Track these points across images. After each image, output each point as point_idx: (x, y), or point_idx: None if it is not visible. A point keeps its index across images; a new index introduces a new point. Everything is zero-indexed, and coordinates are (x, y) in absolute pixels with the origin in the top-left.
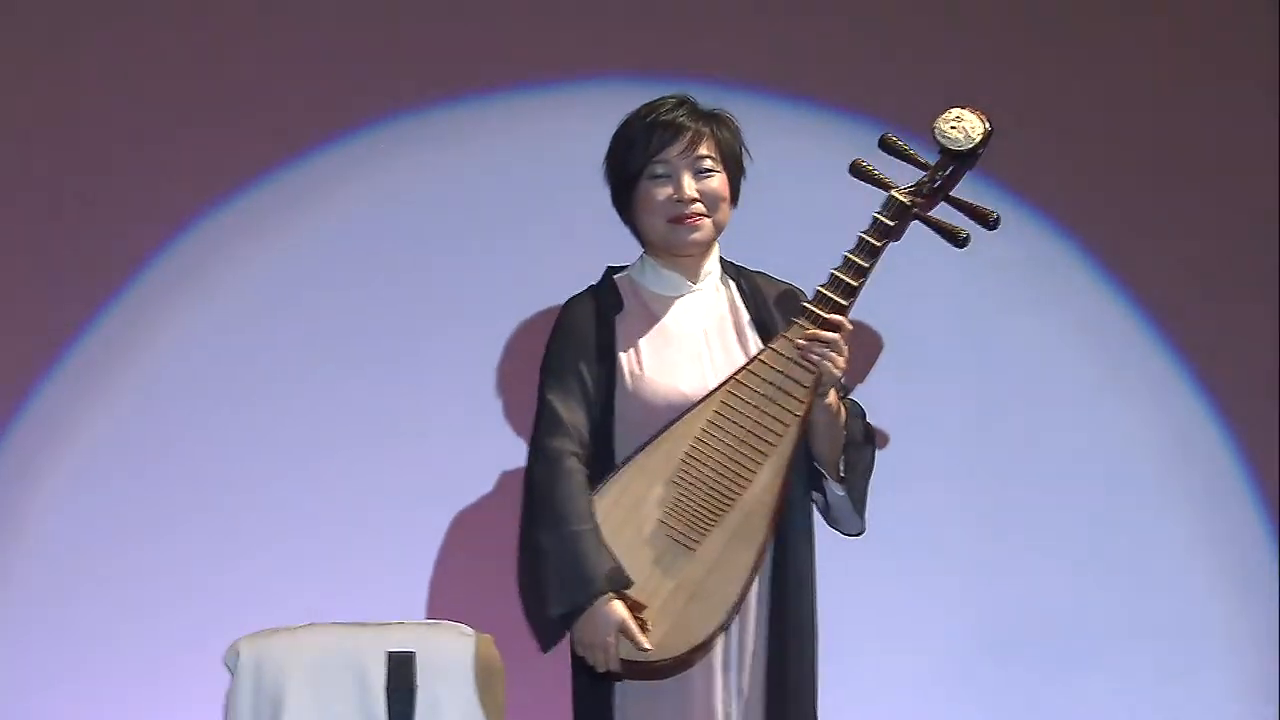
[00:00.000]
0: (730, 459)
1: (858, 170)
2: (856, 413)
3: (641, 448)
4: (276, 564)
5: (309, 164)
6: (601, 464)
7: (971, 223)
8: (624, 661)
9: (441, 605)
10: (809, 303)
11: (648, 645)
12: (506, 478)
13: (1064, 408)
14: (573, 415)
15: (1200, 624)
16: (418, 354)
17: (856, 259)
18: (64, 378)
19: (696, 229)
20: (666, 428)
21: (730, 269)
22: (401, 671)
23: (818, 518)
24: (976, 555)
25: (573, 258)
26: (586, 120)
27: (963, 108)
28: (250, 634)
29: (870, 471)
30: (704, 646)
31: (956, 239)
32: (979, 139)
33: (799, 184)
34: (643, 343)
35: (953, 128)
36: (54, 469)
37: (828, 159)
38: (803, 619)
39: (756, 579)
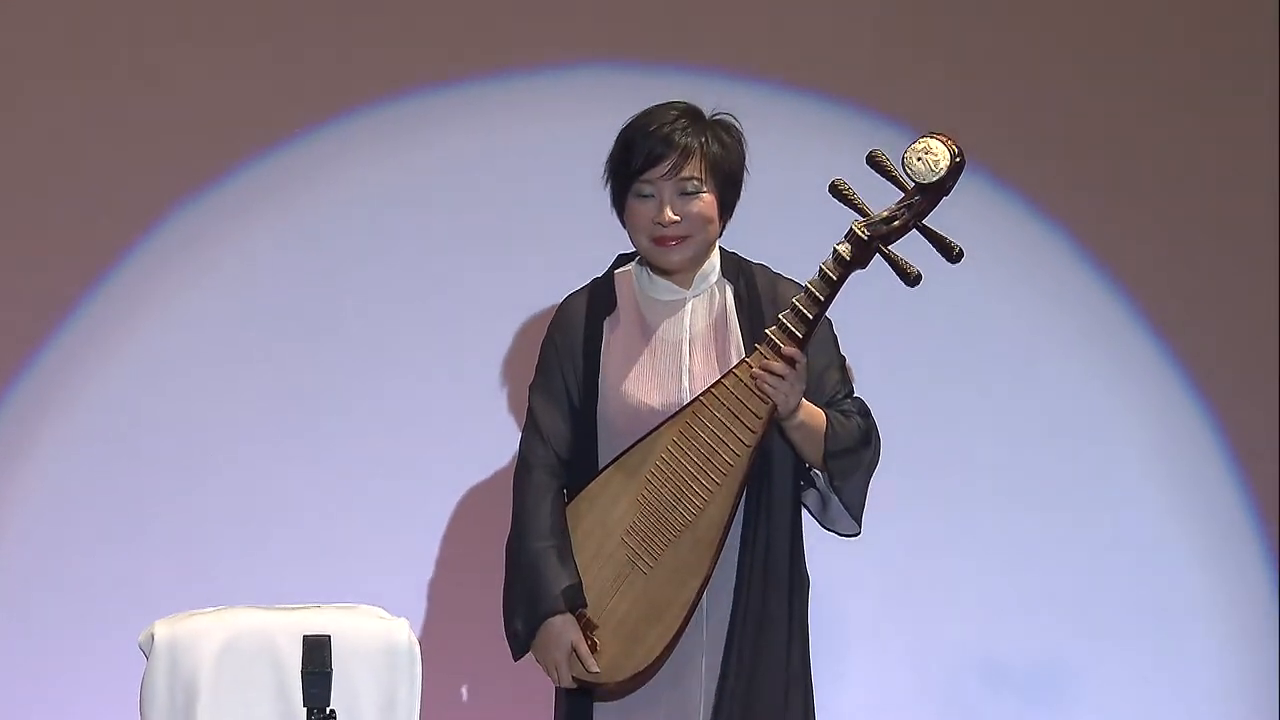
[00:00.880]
0: (686, 483)
1: (836, 191)
2: (859, 412)
3: (616, 459)
4: (262, 558)
5: (304, 150)
6: (584, 468)
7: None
8: (576, 680)
9: (439, 603)
10: (770, 331)
11: (596, 668)
12: (503, 474)
13: (1059, 412)
14: (552, 421)
15: (1199, 624)
16: (413, 345)
17: (815, 290)
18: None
19: (677, 251)
20: (638, 442)
21: (732, 267)
22: (317, 654)
23: (809, 521)
24: (972, 556)
25: (575, 252)
26: (590, 110)
27: (936, 136)
28: (166, 617)
29: (870, 472)
30: (647, 673)
31: (908, 277)
32: (944, 172)
33: (805, 176)
34: (624, 351)
35: (919, 159)
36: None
37: (833, 155)
38: (793, 625)
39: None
